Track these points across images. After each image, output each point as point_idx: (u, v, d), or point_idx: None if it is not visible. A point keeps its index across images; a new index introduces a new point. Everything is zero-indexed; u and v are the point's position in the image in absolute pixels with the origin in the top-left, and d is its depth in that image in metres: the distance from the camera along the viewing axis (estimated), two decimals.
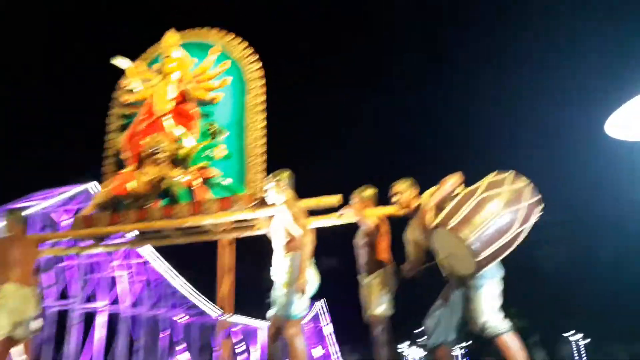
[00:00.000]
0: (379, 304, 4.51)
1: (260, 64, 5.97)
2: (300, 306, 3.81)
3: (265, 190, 4.26)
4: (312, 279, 3.75)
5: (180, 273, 38.45)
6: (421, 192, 4.24)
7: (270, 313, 4.10)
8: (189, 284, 39.62)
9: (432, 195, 3.81)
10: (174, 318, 40.26)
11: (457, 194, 3.74)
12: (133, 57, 6.37)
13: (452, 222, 3.43)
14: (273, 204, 4.32)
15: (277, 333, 4.08)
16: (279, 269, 3.98)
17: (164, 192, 5.31)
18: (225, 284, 6.09)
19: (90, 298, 31.15)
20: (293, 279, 3.80)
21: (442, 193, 3.75)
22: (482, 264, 3.40)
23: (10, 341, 4.52)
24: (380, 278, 4.61)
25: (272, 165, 5.50)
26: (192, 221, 4.97)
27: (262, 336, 57.00)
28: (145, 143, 5.35)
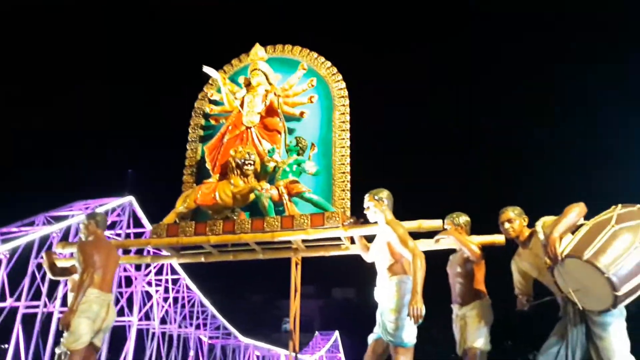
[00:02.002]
0: (477, 337, 4.25)
1: (344, 83, 5.92)
2: (412, 333, 3.57)
3: (368, 208, 4.06)
4: (423, 305, 3.50)
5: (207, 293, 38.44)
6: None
7: (371, 338, 3.88)
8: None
9: (552, 225, 3.56)
10: (201, 337, 40.02)
11: (581, 225, 3.51)
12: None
13: (588, 253, 3.20)
14: (375, 223, 4.12)
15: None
16: (385, 292, 3.77)
17: (249, 204, 5.21)
18: (294, 304, 5.92)
19: (120, 312, 31.26)
20: (402, 304, 3.58)
21: (568, 223, 3.50)
22: (620, 299, 3.15)
23: (91, 349, 4.39)
24: (477, 310, 4.34)
25: (356, 185, 5.39)
26: (283, 236, 4.82)
27: None
28: (234, 154, 5.27)
